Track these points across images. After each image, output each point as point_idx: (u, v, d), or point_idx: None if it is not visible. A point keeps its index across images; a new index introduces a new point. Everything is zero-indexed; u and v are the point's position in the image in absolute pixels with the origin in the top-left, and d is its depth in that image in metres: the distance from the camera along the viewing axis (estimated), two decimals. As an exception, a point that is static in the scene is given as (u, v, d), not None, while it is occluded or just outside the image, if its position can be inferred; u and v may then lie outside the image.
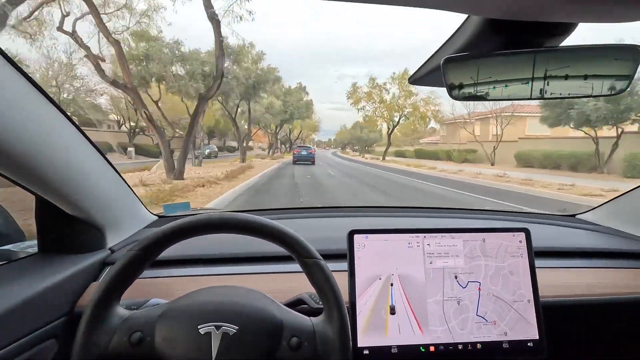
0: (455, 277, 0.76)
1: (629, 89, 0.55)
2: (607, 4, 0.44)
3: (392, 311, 0.74)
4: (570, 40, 0.56)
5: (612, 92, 0.56)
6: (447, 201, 8.39)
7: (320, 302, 0.63)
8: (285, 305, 0.66)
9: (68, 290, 0.78)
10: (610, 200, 1.22)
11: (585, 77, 0.56)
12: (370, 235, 0.77)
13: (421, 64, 0.68)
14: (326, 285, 0.61)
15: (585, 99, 11.30)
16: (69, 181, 0.76)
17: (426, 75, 0.68)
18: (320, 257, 0.62)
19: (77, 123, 0.78)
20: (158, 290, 0.82)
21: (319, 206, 1.32)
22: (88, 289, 0.82)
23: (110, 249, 0.94)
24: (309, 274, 0.61)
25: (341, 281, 0.71)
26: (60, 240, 0.86)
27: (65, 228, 0.85)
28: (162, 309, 0.61)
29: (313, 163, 20.97)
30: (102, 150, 0.88)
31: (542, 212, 1.37)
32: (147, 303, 0.70)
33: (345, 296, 0.67)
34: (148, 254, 0.59)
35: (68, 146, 0.76)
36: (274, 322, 0.59)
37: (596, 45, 0.55)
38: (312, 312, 0.66)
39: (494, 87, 0.56)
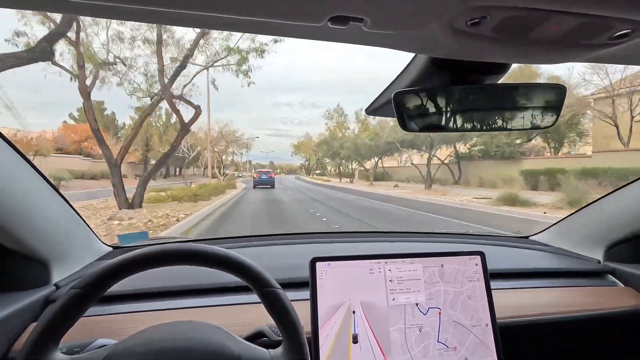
0: (417, 304, 0.77)
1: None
2: (535, 48, 0.49)
3: (355, 340, 0.72)
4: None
5: (545, 125, 0.61)
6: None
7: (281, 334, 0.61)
8: (244, 338, 0.63)
9: (3, 332, 0.70)
10: (560, 221, 1.30)
11: (522, 110, 0.61)
12: (332, 263, 0.77)
13: (376, 96, 0.71)
14: (285, 316, 0.59)
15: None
16: (7, 211, 0.71)
17: (381, 107, 0.72)
18: (279, 286, 0.60)
19: (19, 149, 0.73)
20: (106, 329, 0.76)
21: (279, 233, 1.29)
22: (26, 330, 0.75)
23: (55, 284, 0.86)
24: (267, 304, 0.59)
25: (304, 310, 0.70)
26: None
27: (4, 263, 0.78)
28: (107, 352, 0.56)
29: (273, 186, 21.17)
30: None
31: (497, 233, 1.43)
32: (92, 344, 0.64)
33: (307, 326, 0.65)
34: (92, 292, 0.54)
35: (7, 173, 0.71)
36: (230, 357, 0.56)
37: (530, 83, 0.60)
38: (273, 345, 0.64)
39: (441, 120, 0.60)
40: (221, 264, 0.58)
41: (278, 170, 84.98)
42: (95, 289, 0.55)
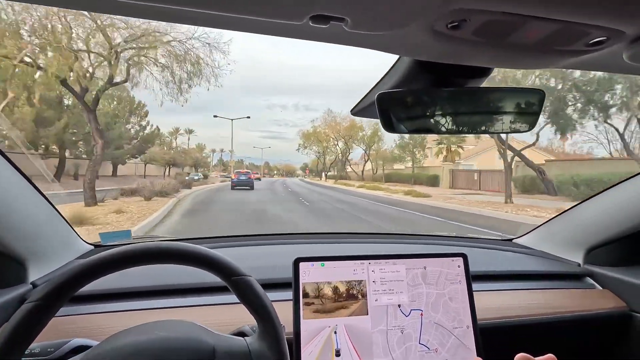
0: (399, 306, 0.77)
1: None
2: (515, 53, 0.50)
3: (337, 354, 0.72)
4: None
5: (525, 128, 0.62)
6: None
7: None
8: None
9: None
10: (542, 224, 1.33)
11: (503, 113, 0.62)
12: (315, 263, 0.77)
13: (361, 98, 0.71)
14: (256, 301, 0.58)
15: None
16: None
17: (366, 108, 0.72)
18: (248, 274, 0.59)
19: None
20: (82, 329, 0.74)
21: (262, 233, 1.29)
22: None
23: (32, 283, 0.84)
24: (237, 292, 0.58)
25: (287, 311, 0.69)
26: None
27: None
28: (79, 359, 0.54)
29: (252, 188, 20.33)
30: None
31: (481, 236, 1.44)
32: (67, 344, 0.63)
33: (288, 326, 0.64)
34: (55, 301, 0.50)
35: None
36: (205, 350, 0.56)
37: (510, 87, 0.61)
38: None
39: (423, 122, 0.60)
40: (184, 259, 0.56)
41: (275, 172, 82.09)
42: (57, 298, 0.51)
